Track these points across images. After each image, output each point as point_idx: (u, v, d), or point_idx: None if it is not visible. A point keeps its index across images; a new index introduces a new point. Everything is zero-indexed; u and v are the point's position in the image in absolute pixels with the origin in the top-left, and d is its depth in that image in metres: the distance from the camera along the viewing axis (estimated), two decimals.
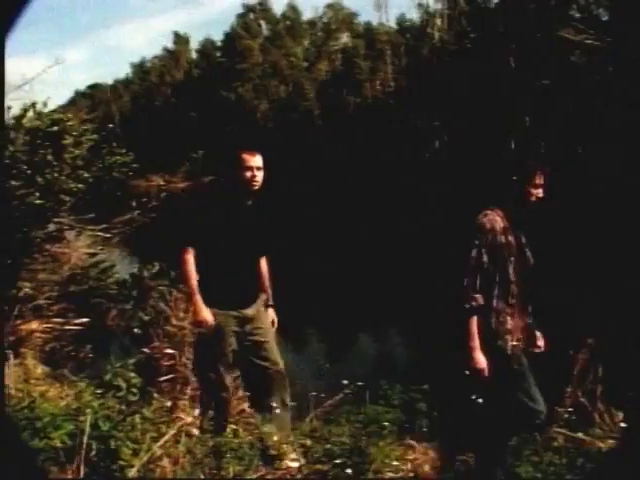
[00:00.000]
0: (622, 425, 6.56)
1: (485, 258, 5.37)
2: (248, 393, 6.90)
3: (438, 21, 60.18)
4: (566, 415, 6.48)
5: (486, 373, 5.32)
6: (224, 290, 6.30)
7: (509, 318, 5.49)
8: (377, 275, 24.86)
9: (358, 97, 69.81)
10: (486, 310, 5.39)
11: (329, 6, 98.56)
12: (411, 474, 6.11)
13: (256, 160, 6.39)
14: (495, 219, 5.43)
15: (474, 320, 5.32)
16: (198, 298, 6.28)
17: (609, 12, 41.16)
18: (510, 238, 5.47)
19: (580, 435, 6.35)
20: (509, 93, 43.21)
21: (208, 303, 6.31)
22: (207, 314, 6.28)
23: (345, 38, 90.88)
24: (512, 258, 5.47)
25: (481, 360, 5.31)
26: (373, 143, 56.70)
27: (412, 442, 6.70)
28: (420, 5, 67.13)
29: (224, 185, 6.61)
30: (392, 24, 77.97)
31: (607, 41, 36.94)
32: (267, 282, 6.87)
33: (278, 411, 6.48)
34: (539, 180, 5.51)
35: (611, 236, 24.52)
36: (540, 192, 5.52)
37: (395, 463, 6.07)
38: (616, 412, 6.69)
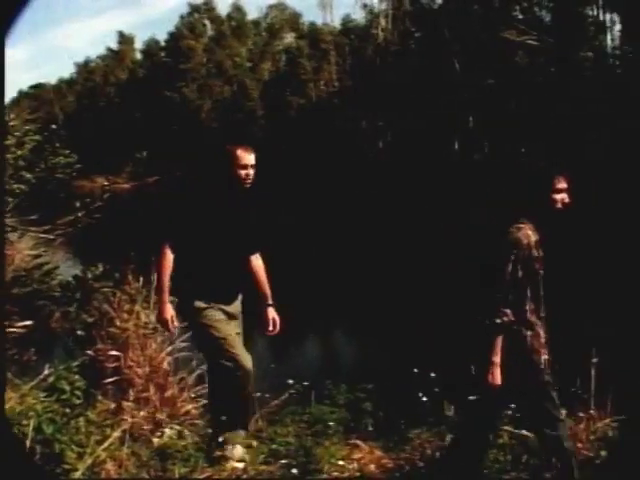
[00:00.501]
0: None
1: (520, 273, 5.27)
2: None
3: (382, 21, 60.33)
4: (510, 412, 6.53)
5: (496, 389, 5.30)
6: (207, 285, 6.21)
7: (542, 331, 5.45)
8: (321, 274, 24.90)
9: (302, 97, 69.82)
10: (520, 324, 5.34)
11: (273, 6, 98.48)
12: (357, 473, 6.13)
13: (251, 158, 6.32)
14: (528, 233, 5.32)
15: (500, 336, 5.27)
16: (165, 297, 6.20)
17: (551, 14, 41.59)
18: (541, 252, 5.40)
19: (524, 432, 6.41)
20: (453, 93, 43.48)
21: (193, 296, 6.24)
22: (171, 314, 6.22)
23: (289, 38, 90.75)
24: (542, 271, 5.41)
25: (498, 377, 5.27)
26: (317, 143, 56.72)
27: (358, 441, 6.72)
28: (365, 5, 67.26)
29: (215, 181, 6.44)
30: (337, 24, 77.96)
31: (549, 42, 37.33)
32: (263, 280, 6.72)
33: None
34: (561, 184, 5.37)
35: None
36: (565, 197, 5.39)
37: (341, 463, 6.11)
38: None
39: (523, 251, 5.29)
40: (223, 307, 6.34)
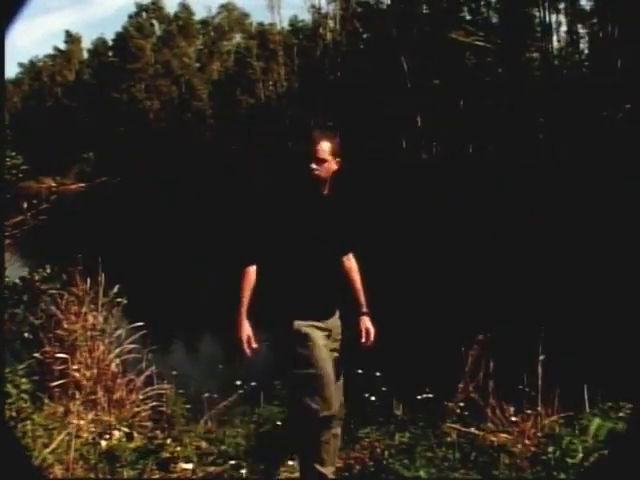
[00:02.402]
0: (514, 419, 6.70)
1: None
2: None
3: (330, 22, 60.52)
4: (459, 410, 6.57)
5: None
6: (301, 299, 5.53)
7: None
8: (267, 276, 24.83)
9: (251, 97, 69.88)
10: None
11: (222, 6, 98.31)
12: None
13: (317, 148, 5.44)
14: None
15: None
16: (241, 312, 5.45)
17: (499, 15, 41.97)
18: None
19: (473, 430, 6.45)
20: (401, 93, 43.66)
21: (291, 315, 5.48)
22: (248, 333, 5.43)
23: (238, 38, 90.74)
24: None
25: None
26: (266, 143, 56.72)
27: None
28: (313, 6, 67.33)
29: (293, 179, 5.61)
30: (285, 25, 78.12)
31: (497, 43, 37.68)
32: (357, 284, 5.95)
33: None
34: None
35: (503, 233, 24.94)
36: None
37: (290, 463, 6.10)
38: (507, 406, 6.82)
39: None
40: (320, 324, 5.56)
